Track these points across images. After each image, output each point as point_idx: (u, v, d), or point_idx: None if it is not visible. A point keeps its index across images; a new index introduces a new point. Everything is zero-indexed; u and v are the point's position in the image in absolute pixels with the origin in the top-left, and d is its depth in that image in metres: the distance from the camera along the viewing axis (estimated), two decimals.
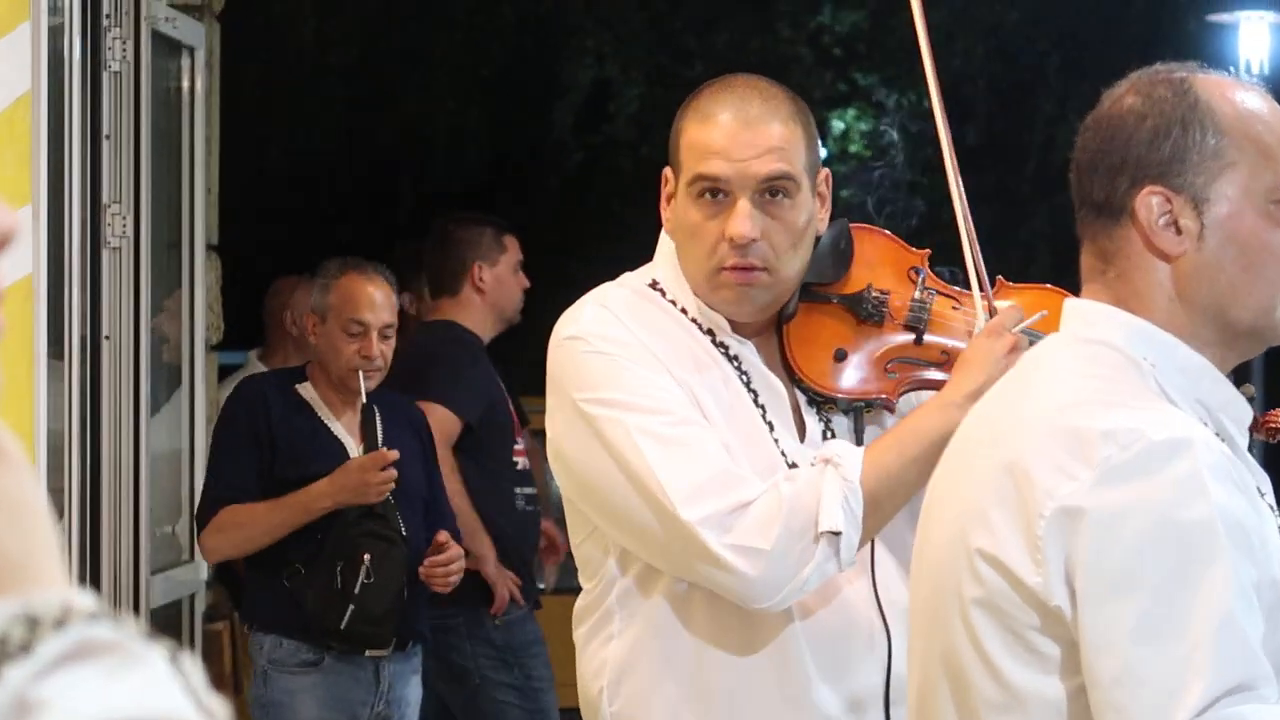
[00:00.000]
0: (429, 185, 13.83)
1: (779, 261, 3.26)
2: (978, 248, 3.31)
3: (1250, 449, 3.06)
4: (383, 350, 5.80)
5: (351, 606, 5.49)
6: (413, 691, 5.89)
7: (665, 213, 3.36)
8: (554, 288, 6.37)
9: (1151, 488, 2.39)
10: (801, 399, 3.35)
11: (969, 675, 2.51)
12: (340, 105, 13.44)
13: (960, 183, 3.34)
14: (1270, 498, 2.54)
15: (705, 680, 3.26)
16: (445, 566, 5.77)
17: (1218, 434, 2.52)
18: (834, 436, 3.32)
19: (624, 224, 13.44)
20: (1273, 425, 3.30)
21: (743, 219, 3.19)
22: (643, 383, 3.22)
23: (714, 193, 3.23)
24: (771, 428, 3.29)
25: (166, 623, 6.15)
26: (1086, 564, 2.41)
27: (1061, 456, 2.44)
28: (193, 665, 1.18)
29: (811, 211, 3.31)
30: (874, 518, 3.17)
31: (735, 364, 3.30)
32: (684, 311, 3.31)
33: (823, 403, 3.35)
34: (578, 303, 3.37)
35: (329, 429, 5.81)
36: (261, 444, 5.75)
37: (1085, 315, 2.62)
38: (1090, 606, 2.41)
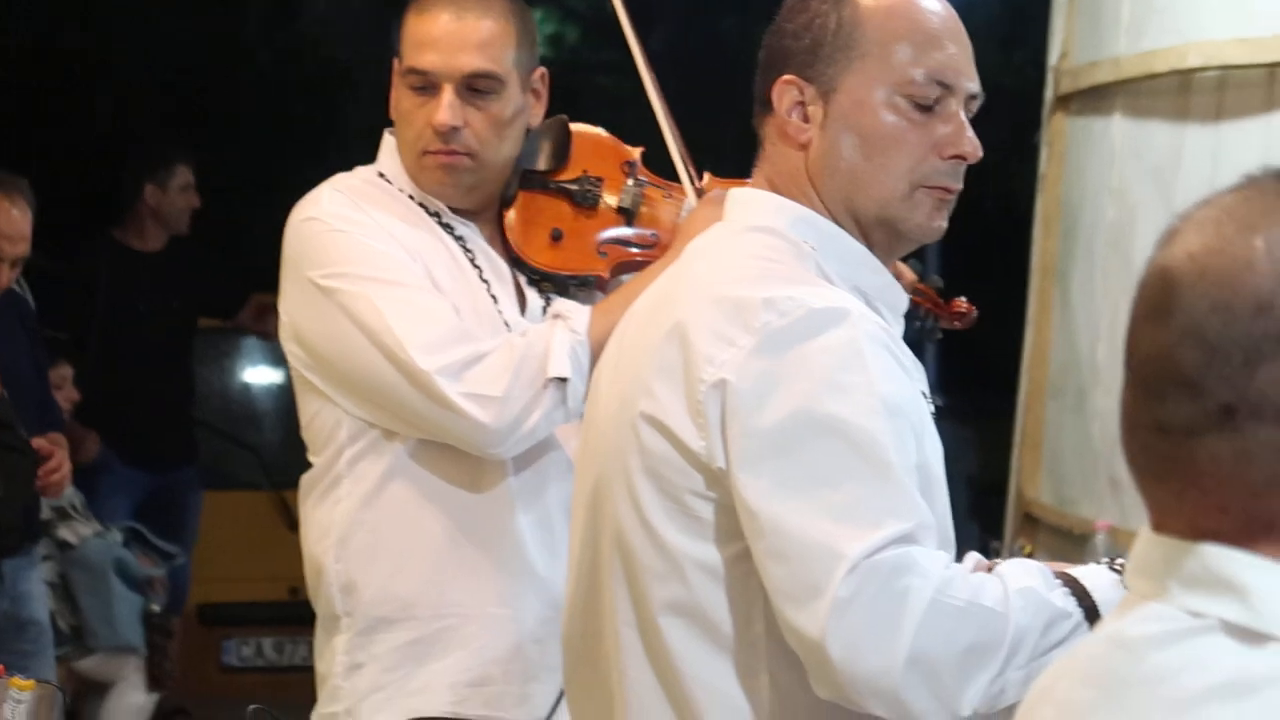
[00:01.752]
0: (122, 87, 13.65)
1: (483, 149, 3.42)
2: (679, 136, 3.42)
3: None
4: (11, 275, 5.50)
5: None
6: (36, 586, 5.75)
7: (393, 100, 3.53)
8: (259, 189, 6.50)
9: (810, 352, 2.43)
10: (522, 278, 3.50)
11: (632, 544, 2.53)
12: (27, 7, 13.21)
13: (654, 77, 3.47)
14: (924, 387, 2.59)
15: (426, 536, 3.40)
16: (51, 475, 5.60)
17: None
18: None
19: (311, 122, 13.42)
20: (959, 310, 3.46)
21: (444, 109, 3.36)
22: (380, 256, 3.38)
23: (422, 86, 3.39)
24: (496, 300, 3.44)
25: None
26: (747, 427, 2.43)
27: (722, 324, 2.47)
28: None
29: (520, 106, 3.47)
30: None
31: (460, 243, 3.46)
32: (411, 198, 3.46)
33: (540, 280, 3.49)
34: (314, 190, 3.51)
35: None
36: None
37: (748, 203, 2.67)
38: (751, 467, 2.43)
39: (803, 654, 2.40)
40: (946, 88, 2.57)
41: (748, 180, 2.73)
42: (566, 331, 3.29)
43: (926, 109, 2.56)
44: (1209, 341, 1.42)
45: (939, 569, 2.38)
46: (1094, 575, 2.49)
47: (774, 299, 2.44)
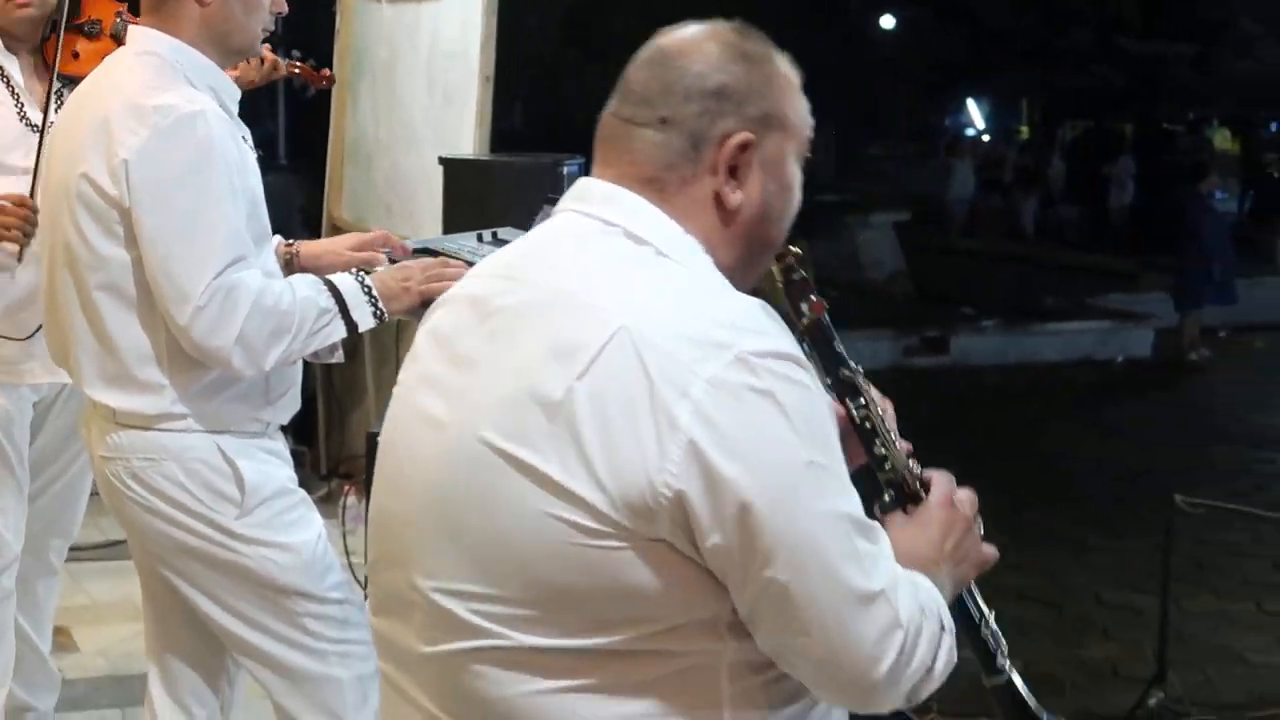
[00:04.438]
0: None
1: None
2: None
3: None
4: None
5: None
6: None
7: None
8: None
9: (181, 141, 2.38)
10: (58, 84, 3.23)
11: (75, 249, 2.48)
12: None
13: None
14: (250, 142, 2.55)
15: None
16: None
17: (221, 106, 2.49)
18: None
19: None
20: (326, 75, 3.37)
21: None
22: None
23: None
24: (23, 105, 3.19)
25: None
26: (142, 187, 2.39)
27: (129, 121, 2.38)
28: None
29: None
30: None
31: (2, 72, 3.21)
32: None
33: (66, 83, 3.20)
34: None
35: None
36: None
37: (141, 36, 2.54)
38: (144, 213, 2.40)
39: (173, 329, 2.42)
40: None
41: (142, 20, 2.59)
42: None
43: None
44: (667, 81, 1.45)
45: (257, 284, 2.40)
46: (343, 280, 2.54)
47: (160, 106, 2.38)
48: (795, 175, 1.51)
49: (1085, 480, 8.46)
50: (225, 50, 2.56)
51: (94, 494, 3.00)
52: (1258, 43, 19.47)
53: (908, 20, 24.39)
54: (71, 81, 3.22)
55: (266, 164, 2.63)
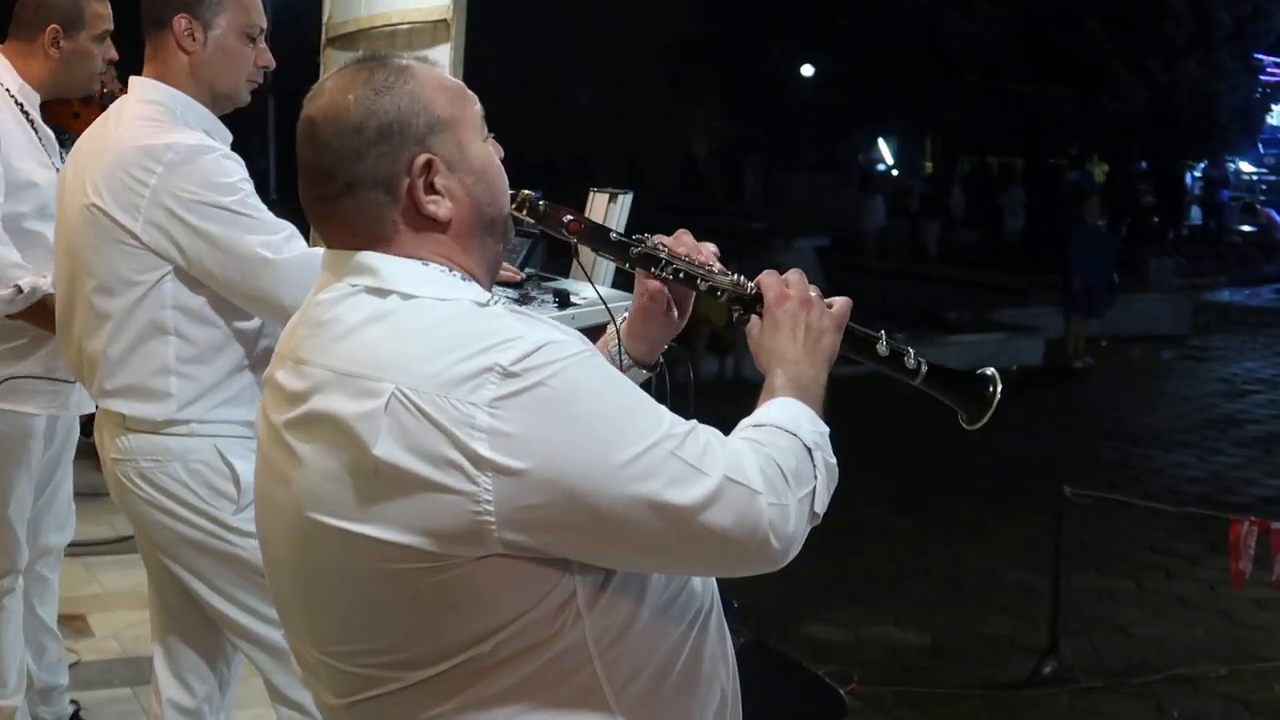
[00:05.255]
0: None
1: None
2: None
3: None
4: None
5: None
6: None
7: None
8: None
9: (196, 166, 2.34)
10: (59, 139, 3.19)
11: (94, 278, 2.43)
12: None
13: None
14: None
15: None
16: None
17: (217, 140, 2.46)
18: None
19: None
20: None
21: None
22: None
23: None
24: (47, 150, 3.11)
25: None
26: (172, 210, 2.33)
27: (144, 160, 2.36)
28: None
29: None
30: None
31: (30, 120, 3.11)
32: (6, 90, 3.08)
33: (62, 135, 3.18)
34: None
35: None
36: None
37: (140, 86, 2.50)
38: (182, 230, 2.35)
39: (259, 308, 2.37)
40: (261, 29, 2.53)
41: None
42: None
43: (253, 39, 2.53)
44: (333, 149, 1.37)
45: (318, 252, 2.34)
46: None
47: (170, 144, 2.37)
48: (482, 153, 1.42)
49: (984, 474, 8.53)
50: (214, 96, 2.53)
51: (105, 494, 2.97)
52: (1128, 87, 19.74)
53: (824, 69, 24.53)
54: (68, 136, 3.18)
55: (259, 196, 2.58)
